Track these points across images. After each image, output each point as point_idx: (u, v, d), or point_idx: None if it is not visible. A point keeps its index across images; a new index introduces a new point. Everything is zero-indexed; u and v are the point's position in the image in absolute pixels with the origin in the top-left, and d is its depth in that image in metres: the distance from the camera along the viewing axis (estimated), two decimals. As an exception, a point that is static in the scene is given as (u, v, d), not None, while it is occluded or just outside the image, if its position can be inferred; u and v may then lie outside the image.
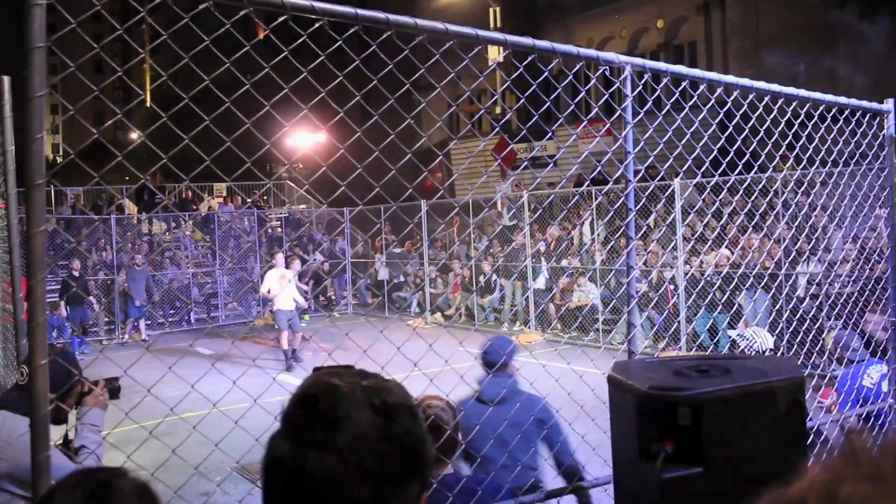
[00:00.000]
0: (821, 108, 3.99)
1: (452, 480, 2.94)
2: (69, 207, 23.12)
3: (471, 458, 3.67)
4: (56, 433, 3.37)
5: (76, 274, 16.90)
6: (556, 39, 3.00)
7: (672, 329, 12.79)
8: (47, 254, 2.09)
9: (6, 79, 3.48)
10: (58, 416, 3.33)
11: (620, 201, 3.37)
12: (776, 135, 3.91)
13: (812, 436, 3.76)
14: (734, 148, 3.88)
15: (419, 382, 3.34)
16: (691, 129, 3.52)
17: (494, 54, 19.68)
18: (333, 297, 21.87)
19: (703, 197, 9.98)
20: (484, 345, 4.37)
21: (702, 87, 3.43)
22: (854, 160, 4.43)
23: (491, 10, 28.41)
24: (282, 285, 13.64)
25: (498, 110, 26.85)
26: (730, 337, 5.10)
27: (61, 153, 67.79)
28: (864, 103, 4.19)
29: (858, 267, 6.64)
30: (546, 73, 2.93)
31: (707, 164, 3.75)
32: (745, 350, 4.69)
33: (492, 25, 26.67)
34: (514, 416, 3.67)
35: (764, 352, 4.66)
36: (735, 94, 3.59)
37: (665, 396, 2.03)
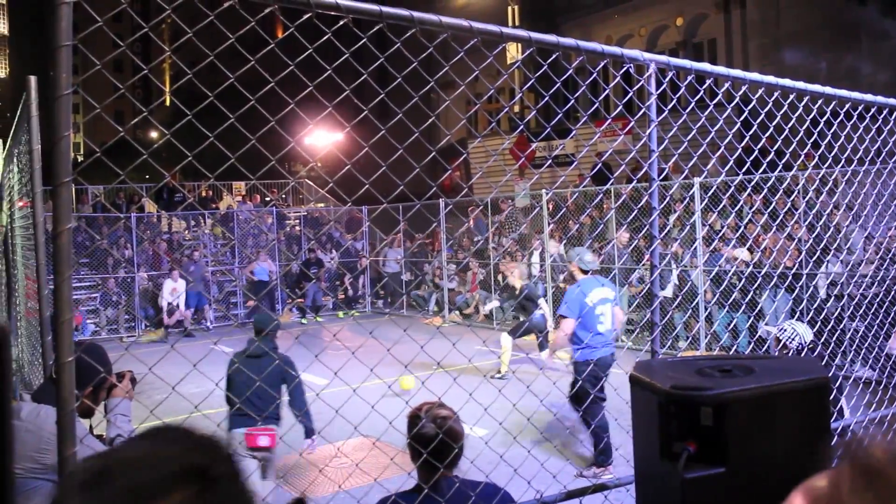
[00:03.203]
0: (847, 106, 3.95)
1: (468, 486, 2.94)
2: (91, 206, 23.30)
3: (231, 400, 5.44)
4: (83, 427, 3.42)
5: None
6: (575, 38, 2.99)
7: (694, 330, 12.71)
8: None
9: (33, 78, 3.52)
10: (86, 410, 3.42)
11: (644, 200, 3.35)
12: (801, 133, 3.88)
13: (836, 437, 3.73)
14: (758, 146, 3.85)
15: (442, 380, 3.35)
16: (716, 128, 3.50)
17: (514, 53, 19.64)
18: (352, 294, 21.93)
19: (725, 195, 9.93)
20: (255, 319, 6.53)
21: (726, 85, 3.41)
22: (881, 158, 4.38)
23: (509, 8, 28.38)
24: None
25: (517, 109, 26.82)
26: (768, 332, 5.16)
27: (82, 152, 68.40)
28: (891, 100, 4.15)
29: (884, 267, 6.57)
30: (570, 71, 2.93)
31: (731, 162, 3.72)
32: (787, 343, 4.68)
33: (510, 24, 26.64)
34: (265, 367, 5.47)
35: (805, 345, 4.66)
36: (760, 91, 3.56)
37: (688, 396, 2.02)
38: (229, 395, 5.47)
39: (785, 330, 4.80)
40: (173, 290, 18.22)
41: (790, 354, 4.76)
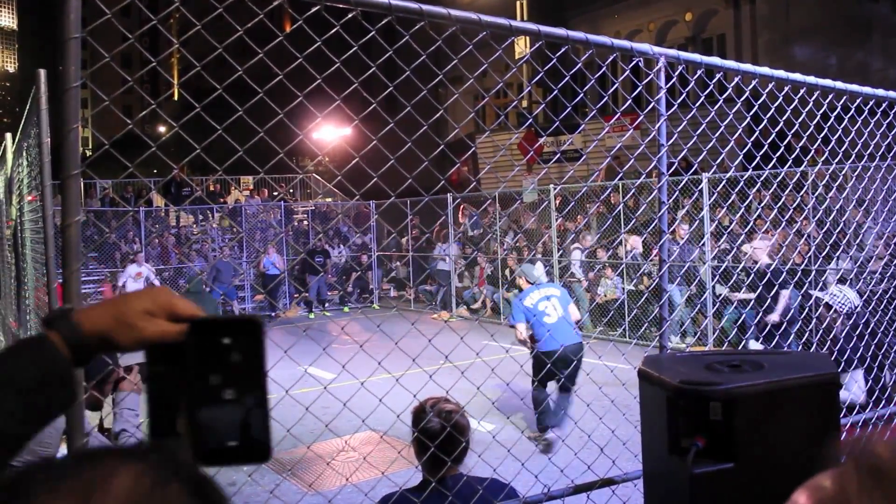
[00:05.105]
0: (857, 101, 3.93)
1: (475, 482, 2.94)
2: (99, 200, 23.37)
3: None
4: (92, 420, 3.44)
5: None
6: (583, 33, 2.97)
7: (702, 326, 12.69)
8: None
9: (42, 72, 3.52)
10: (95, 403, 3.43)
11: (653, 194, 3.34)
12: (811, 128, 3.86)
13: (845, 432, 3.71)
14: (768, 141, 3.84)
15: (450, 375, 3.34)
16: (725, 122, 3.48)
17: (522, 47, 19.62)
18: (351, 290, 21.95)
19: (735, 191, 9.90)
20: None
21: (736, 80, 3.39)
22: (891, 154, 4.36)
23: (518, 3, 28.34)
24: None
25: (524, 104, 26.77)
26: (818, 298, 5.20)
27: (91, 146, 68.64)
28: (902, 96, 4.12)
29: (894, 264, 6.53)
30: (579, 65, 2.92)
31: (741, 157, 3.71)
32: (838, 308, 4.73)
33: (518, 18, 26.58)
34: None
35: (855, 308, 4.70)
36: (770, 86, 3.54)
37: (696, 391, 2.01)
38: None
39: (836, 295, 4.83)
40: (137, 275, 17.38)
41: (841, 319, 4.78)
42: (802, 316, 5.23)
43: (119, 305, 1.02)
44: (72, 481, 0.72)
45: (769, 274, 7.97)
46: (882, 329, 4.58)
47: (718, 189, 10.56)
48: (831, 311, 4.86)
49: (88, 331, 1.01)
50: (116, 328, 1.01)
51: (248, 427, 0.97)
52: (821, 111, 3.84)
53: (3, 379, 0.96)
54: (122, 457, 0.76)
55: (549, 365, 6.93)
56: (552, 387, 8.03)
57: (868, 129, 4.17)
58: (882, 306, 5.16)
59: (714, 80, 3.38)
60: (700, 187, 12.60)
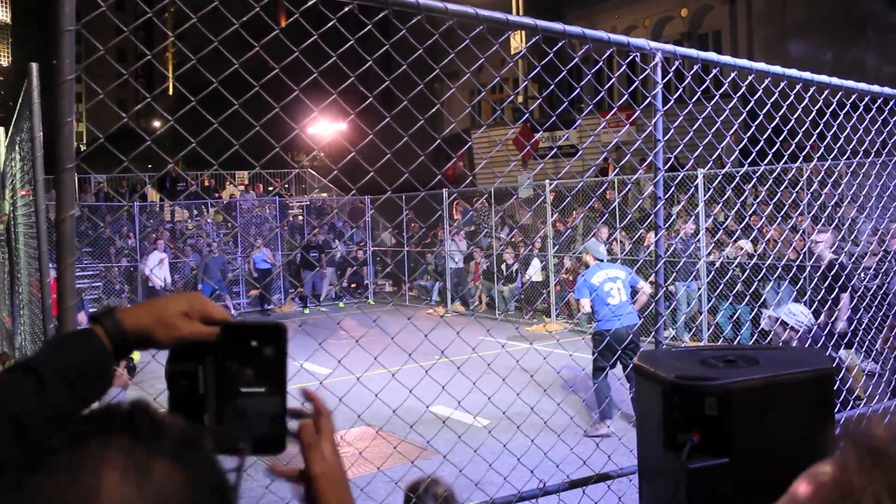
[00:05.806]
0: (853, 97, 3.94)
1: None
2: (93, 195, 23.29)
3: None
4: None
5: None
6: (580, 28, 2.97)
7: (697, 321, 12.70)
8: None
9: (34, 65, 3.50)
10: None
11: (649, 190, 3.35)
12: (807, 124, 3.86)
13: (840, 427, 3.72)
14: (764, 137, 3.84)
15: (446, 370, 3.34)
16: (721, 118, 3.48)
17: (518, 42, 19.59)
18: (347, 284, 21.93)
19: (730, 186, 9.90)
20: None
21: (732, 76, 3.39)
22: (886, 150, 4.37)
23: (513, -2, 28.31)
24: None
25: (521, 99, 26.76)
26: (770, 318, 5.28)
27: (85, 141, 68.39)
28: (897, 92, 4.13)
29: (889, 259, 6.55)
30: (576, 59, 2.91)
31: (737, 153, 3.72)
32: (795, 327, 4.78)
33: (514, 13, 26.50)
34: None
35: (810, 327, 4.76)
36: (766, 82, 3.54)
37: (692, 386, 2.01)
38: None
39: (794, 314, 4.90)
40: (161, 262, 17.71)
41: (798, 336, 4.85)
42: (755, 334, 5.40)
43: (159, 307, 1.13)
44: (59, 480, 0.74)
45: (842, 275, 7.20)
46: (877, 324, 4.61)
47: (714, 185, 10.57)
48: (788, 329, 4.95)
49: (130, 328, 1.12)
50: (156, 327, 1.12)
51: (268, 421, 1.07)
52: (816, 107, 3.85)
53: (52, 366, 1.04)
54: (104, 445, 0.77)
55: (606, 341, 7.42)
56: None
57: (863, 126, 4.17)
58: (877, 302, 5.18)
59: (710, 76, 3.38)
60: (696, 183, 12.61)
